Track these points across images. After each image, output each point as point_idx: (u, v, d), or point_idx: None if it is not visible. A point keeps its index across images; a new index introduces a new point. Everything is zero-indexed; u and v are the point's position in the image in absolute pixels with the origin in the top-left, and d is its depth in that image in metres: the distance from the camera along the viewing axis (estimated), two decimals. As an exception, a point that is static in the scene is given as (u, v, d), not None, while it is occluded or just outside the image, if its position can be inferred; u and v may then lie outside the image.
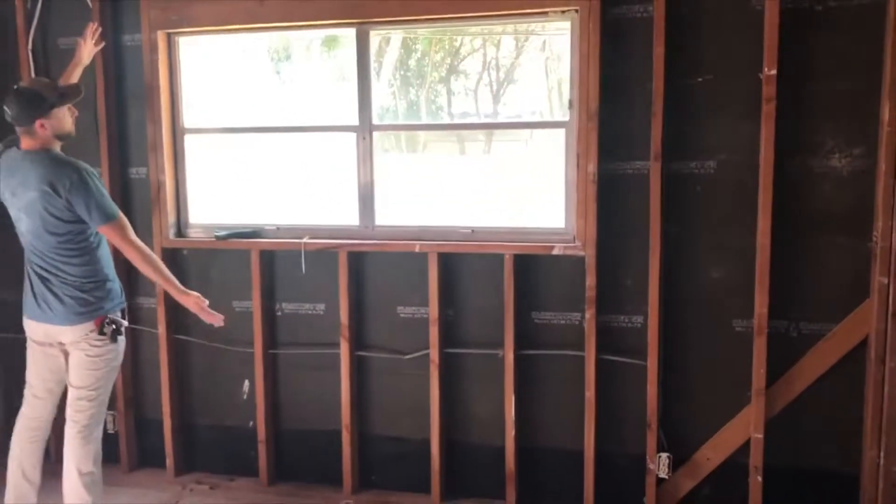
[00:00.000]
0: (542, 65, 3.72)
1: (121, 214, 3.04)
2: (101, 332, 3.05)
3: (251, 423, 3.80)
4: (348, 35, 3.54)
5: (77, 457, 3.08)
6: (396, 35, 3.60)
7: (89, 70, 3.70)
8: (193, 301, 3.18)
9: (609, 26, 3.19)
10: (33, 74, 3.80)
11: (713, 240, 3.23)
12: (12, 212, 3.06)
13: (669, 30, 3.11)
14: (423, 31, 3.68)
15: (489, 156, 4.00)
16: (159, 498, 3.70)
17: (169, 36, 3.68)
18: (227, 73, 3.95)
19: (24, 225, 3.02)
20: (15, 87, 3.07)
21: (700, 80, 3.17)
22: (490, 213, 3.80)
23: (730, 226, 3.20)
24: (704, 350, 3.29)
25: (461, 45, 3.90)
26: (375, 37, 3.53)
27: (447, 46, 3.73)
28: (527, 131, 3.83)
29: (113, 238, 3.04)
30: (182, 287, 3.18)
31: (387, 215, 3.62)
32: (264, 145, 3.95)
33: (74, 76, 3.40)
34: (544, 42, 3.66)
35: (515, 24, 3.50)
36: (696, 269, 3.26)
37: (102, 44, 3.52)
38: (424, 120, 3.95)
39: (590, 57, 3.17)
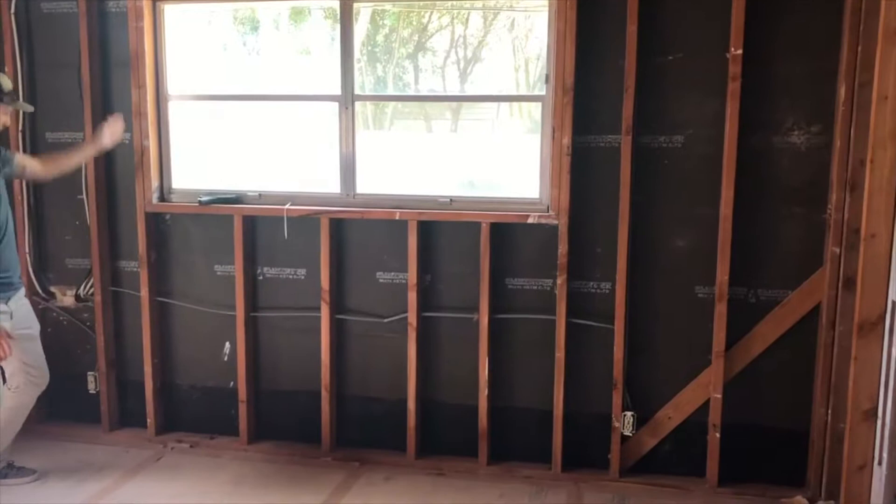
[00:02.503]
0: (512, 42, 3.83)
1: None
2: None
3: (231, 383, 3.91)
4: (330, 6, 3.63)
5: None
6: (366, 10, 3.67)
7: (73, 35, 3.77)
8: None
9: (584, 4, 3.32)
10: (16, 40, 3.83)
11: (679, 211, 3.41)
12: None
13: (642, 9, 3.26)
14: (404, 5, 3.77)
15: (456, 133, 4.11)
16: (140, 455, 3.81)
17: (154, 3, 3.74)
18: (209, 42, 4.01)
19: None
20: None
21: (670, 58, 3.33)
22: (463, 184, 3.93)
23: (695, 197, 3.38)
24: (668, 315, 3.47)
25: (429, 21, 3.98)
26: (365, 9, 3.62)
27: (415, 23, 3.81)
28: (493, 110, 3.97)
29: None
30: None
31: (365, 184, 3.74)
32: (246, 113, 4.03)
33: (88, 153, 3.53)
34: (513, 20, 3.77)
35: (496, 0, 3.61)
36: (661, 238, 3.44)
37: (122, 124, 3.55)
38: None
39: (566, 33, 3.31)
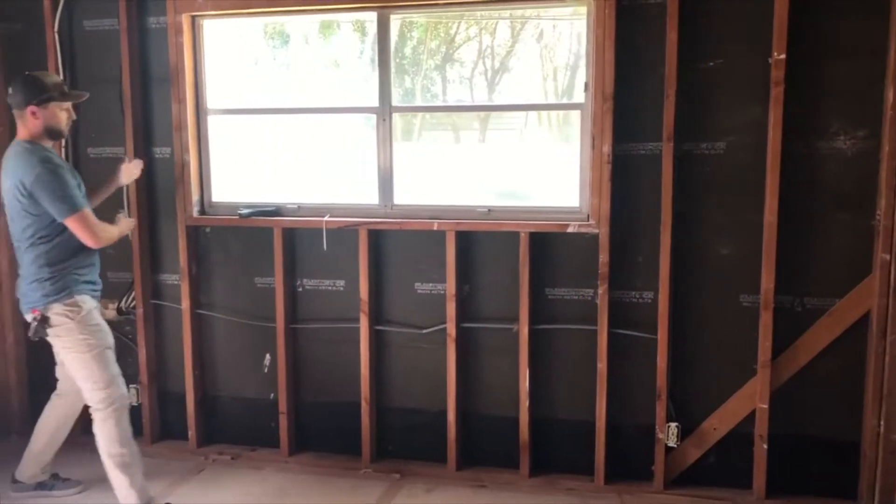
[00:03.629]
0: (540, 52, 3.81)
1: (86, 211, 3.09)
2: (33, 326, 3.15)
3: (272, 395, 3.92)
4: (366, 18, 3.65)
5: (102, 442, 3.19)
6: (395, 22, 3.68)
7: (114, 51, 3.82)
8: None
9: (623, 11, 3.30)
10: (59, 58, 3.89)
11: (722, 218, 3.36)
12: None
13: (682, 15, 3.22)
14: (434, 15, 3.77)
15: (484, 143, 4.09)
16: (182, 467, 3.83)
17: (193, 18, 3.78)
18: (243, 56, 4.04)
19: (7, 212, 3.17)
20: (25, 73, 3.19)
21: (711, 64, 3.29)
22: (498, 193, 3.90)
23: (738, 205, 3.33)
24: (712, 324, 3.42)
25: (457, 33, 3.98)
26: (394, 21, 3.62)
27: (443, 35, 3.80)
28: (521, 119, 3.95)
29: (79, 233, 3.08)
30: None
31: (402, 195, 3.73)
32: (283, 126, 4.05)
33: (106, 193, 3.54)
34: (541, 30, 3.74)
35: (535, 9, 3.60)
36: (704, 246, 3.39)
37: (141, 166, 3.60)
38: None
39: (605, 41, 3.28)
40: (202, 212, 3.92)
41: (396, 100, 3.65)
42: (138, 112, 3.87)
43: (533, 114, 3.93)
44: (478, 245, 3.62)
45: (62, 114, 3.18)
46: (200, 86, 3.83)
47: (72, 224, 3.06)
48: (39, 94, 3.10)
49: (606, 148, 3.35)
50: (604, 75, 3.31)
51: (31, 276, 3.15)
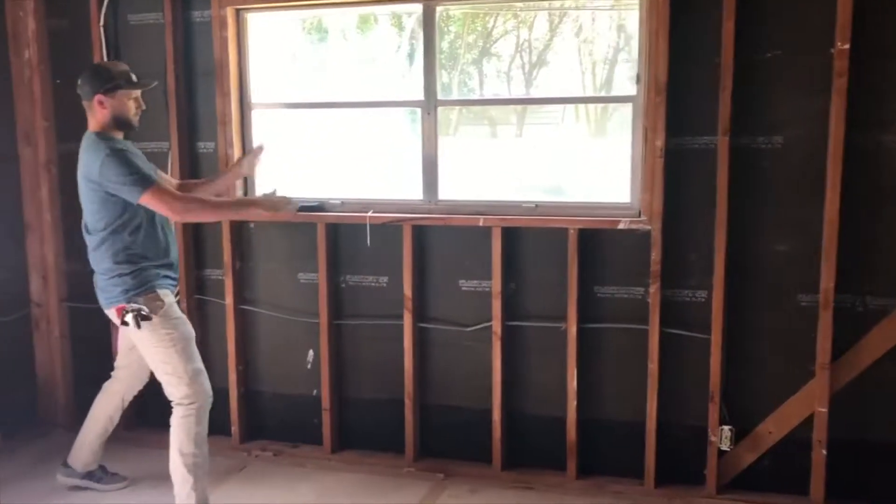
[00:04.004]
0: (579, 45, 3.70)
1: (158, 183, 3.02)
2: (124, 322, 3.08)
3: (315, 391, 3.89)
4: (412, 11, 3.59)
5: (175, 438, 3.15)
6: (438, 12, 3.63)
7: (159, 45, 3.80)
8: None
9: (677, 0, 3.19)
10: (105, 53, 3.89)
11: (779, 214, 3.24)
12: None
13: (739, 3, 3.11)
14: (488, 7, 3.69)
15: (521, 137, 4.00)
16: (225, 464, 3.81)
17: (238, 12, 3.75)
18: (284, 50, 4.00)
19: (81, 203, 3.15)
20: (93, 63, 3.16)
21: (769, 55, 3.17)
22: (543, 189, 3.82)
23: (796, 200, 3.21)
24: (768, 324, 3.30)
25: (494, 26, 3.90)
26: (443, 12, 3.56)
27: (480, 28, 3.73)
28: (559, 113, 3.85)
29: (168, 209, 3.01)
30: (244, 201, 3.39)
31: (446, 190, 3.67)
32: (326, 121, 4.01)
33: (223, 186, 3.53)
34: (580, 23, 3.64)
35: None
36: (761, 243, 3.27)
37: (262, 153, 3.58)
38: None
39: (659, 31, 3.18)
40: (246, 206, 3.89)
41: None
42: (182, 106, 3.85)
43: (570, 108, 3.84)
44: (524, 241, 3.54)
45: (130, 103, 3.14)
46: (244, 80, 3.80)
47: (148, 200, 2.97)
48: (106, 83, 3.06)
49: (659, 142, 3.24)
50: (657, 66, 3.20)
51: (110, 272, 3.09)
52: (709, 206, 3.26)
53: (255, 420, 4.02)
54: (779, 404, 3.32)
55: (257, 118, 3.85)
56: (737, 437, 3.36)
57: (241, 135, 3.83)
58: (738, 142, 3.21)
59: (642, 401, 3.42)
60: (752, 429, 3.36)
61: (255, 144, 3.80)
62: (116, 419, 3.55)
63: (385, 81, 3.90)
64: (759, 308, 3.31)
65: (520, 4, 3.57)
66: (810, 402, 3.25)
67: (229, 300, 3.88)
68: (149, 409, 4.01)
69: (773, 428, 3.33)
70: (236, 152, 3.80)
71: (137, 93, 3.18)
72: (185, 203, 3.08)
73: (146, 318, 3.04)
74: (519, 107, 3.89)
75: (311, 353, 3.89)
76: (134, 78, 3.18)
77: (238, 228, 3.88)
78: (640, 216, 3.36)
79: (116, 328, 3.40)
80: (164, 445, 3.86)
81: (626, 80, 3.52)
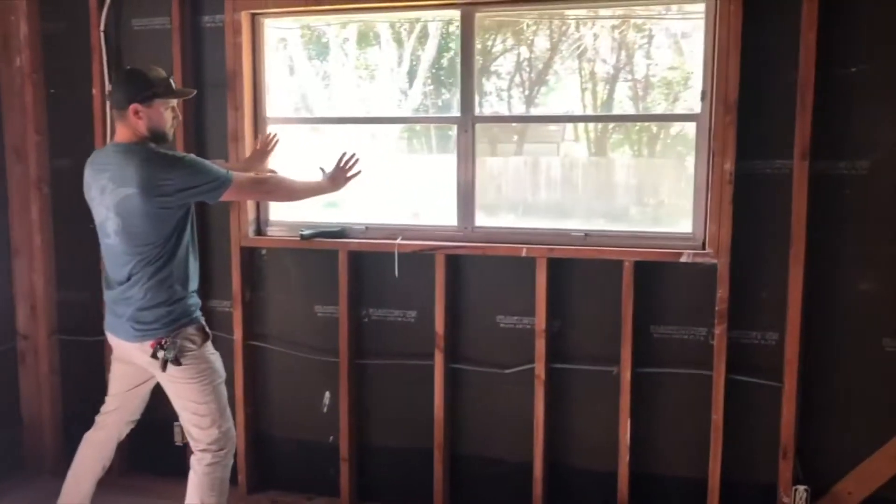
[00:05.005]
0: (578, 62, 3.35)
1: (235, 174, 2.81)
2: (154, 356, 2.74)
3: (331, 437, 3.50)
4: (450, 18, 3.25)
5: (198, 488, 2.84)
6: (435, 27, 3.30)
7: (165, 53, 3.45)
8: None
9: (749, 8, 2.85)
10: (105, 59, 3.53)
11: (862, 249, 2.89)
12: (100, 210, 2.79)
13: (820, 11, 2.77)
14: (532, 16, 3.34)
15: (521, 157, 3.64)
16: (231, 517, 3.41)
17: (253, 17, 3.40)
18: (290, 63, 3.65)
19: (112, 225, 2.74)
20: (127, 67, 2.83)
21: (853, 70, 2.83)
22: (597, 214, 3.46)
23: (882, 234, 2.86)
24: (848, 371, 2.95)
25: (493, 45, 3.57)
26: (483, 20, 3.23)
27: (480, 46, 3.38)
28: (559, 133, 3.51)
29: (247, 196, 3.06)
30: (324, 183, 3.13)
31: (483, 216, 3.32)
32: (347, 137, 3.64)
33: (316, 191, 3.15)
34: (579, 42, 3.30)
35: (644, 8, 3.17)
36: (840, 281, 2.92)
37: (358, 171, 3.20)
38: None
39: (730, 42, 2.84)
40: (258, 232, 3.52)
41: (433, 110, 3.21)
42: (190, 119, 3.49)
43: (570, 128, 3.49)
44: (570, 274, 3.18)
45: (167, 113, 2.79)
46: (259, 92, 3.44)
47: (235, 193, 2.86)
48: (143, 91, 2.71)
49: (728, 165, 2.90)
50: (727, 82, 2.86)
51: (148, 301, 2.73)
52: (781, 238, 2.92)
53: (266, 468, 3.62)
54: (859, 461, 2.96)
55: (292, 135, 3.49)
56: (812, 497, 2.99)
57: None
58: (816, 167, 2.86)
59: (704, 455, 3.05)
60: (829, 488, 3.00)
61: (269, 164, 3.43)
62: (107, 465, 3.16)
63: (380, 99, 3.55)
64: (838, 352, 2.95)
65: (571, 13, 3.22)
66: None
67: (238, 335, 3.50)
68: (143, 454, 3.62)
69: (853, 488, 2.97)
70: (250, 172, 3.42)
71: (175, 102, 2.83)
72: (274, 184, 3.06)
73: (181, 353, 2.74)
74: (520, 126, 3.50)
75: (327, 394, 3.51)
76: (174, 85, 2.83)
77: (249, 255, 3.51)
78: (704, 248, 3.00)
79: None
80: (157, 493, 3.48)
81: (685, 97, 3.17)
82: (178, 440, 3.64)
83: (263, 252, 3.52)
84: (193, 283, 2.86)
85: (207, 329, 2.86)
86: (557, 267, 3.17)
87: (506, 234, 3.25)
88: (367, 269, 3.41)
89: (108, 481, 3.27)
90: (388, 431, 3.47)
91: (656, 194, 3.32)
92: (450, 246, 3.22)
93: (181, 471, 3.55)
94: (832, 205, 2.89)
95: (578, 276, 3.17)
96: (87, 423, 3.16)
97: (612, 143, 3.53)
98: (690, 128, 3.06)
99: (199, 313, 2.85)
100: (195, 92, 3.01)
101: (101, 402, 3.34)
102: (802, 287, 2.88)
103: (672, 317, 3.10)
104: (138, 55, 3.54)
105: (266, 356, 3.57)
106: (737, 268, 2.96)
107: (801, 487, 2.98)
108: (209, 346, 2.86)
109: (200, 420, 2.82)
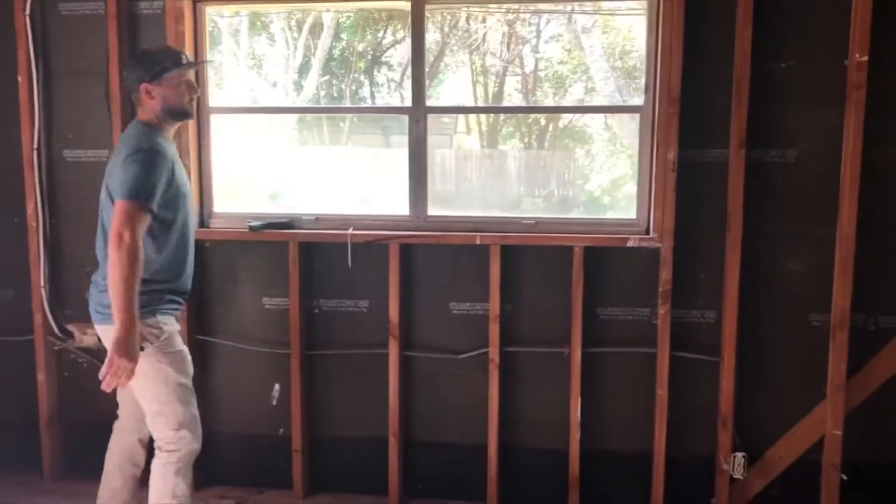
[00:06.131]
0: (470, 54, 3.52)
1: (141, 203, 2.48)
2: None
3: (281, 430, 3.48)
4: (401, 8, 3.28)
5: (154, 489, 2.74)
6: (329, 18, 3.35)
7: (97, 40, 3.32)
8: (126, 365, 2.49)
9: (690, 7, 3.02)
10: (31, 46, 3.36)
11: (791, 231, 3.12)
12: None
13: (755, 12, 2.97)
14: (480, 9, 3.41)
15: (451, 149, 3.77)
16: (178, 515, 3.33)
17: (195, 4, 3.31)
18: (247, 51, 3.60)
19: (101, 199, 2.66)
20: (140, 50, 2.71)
21: (783, 65, 3.05)
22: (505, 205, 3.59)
23: (810, 217, 3.10)
24: (779, 345, 3.18)
25: (384, 36, 3.69)
26: (436, 13, 3.27)
27: (369, 37, 3.48)
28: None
29: (117, 222, 2.44)
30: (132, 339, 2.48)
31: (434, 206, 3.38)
32: (305, 131, 3.62)
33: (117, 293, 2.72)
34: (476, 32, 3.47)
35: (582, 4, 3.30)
36: (772, 261, 3.15)
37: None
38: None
39: (672, 38, 3.01)
40: (202, 224, 3.44)
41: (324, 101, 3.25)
42: (126, 108, 3.37)
43: (462, 118, 3.62)
44: (521, 260, 3.28)
45: (182, 87, 2.65)
46: (202, 81, 3.36)
47: (118, 210, 2.45)
48: (151, 68, 2.60)
49: (671, 155, 3.07)
50: (670, 77, 3.02)
51: (108, 284, 2.54)
52: (718, 222, 3.12)
53: (212, 464, 3.54)
54: (788, 428, 3.20)
55: (216, 124, 3.41)
56: (748, 463, 3.22)
57: (198, 143, 3.38)
58: (750, 156, 3.07)
59: (649, 429, 3.23)
60: (762, 454, 3.23)
61: (213, 155, 3.35)
62: (140, 465, 2.99)
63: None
64: (769, 328, 3.18)
65: (516, 5, 3.31)
66: (821, 425, 3.14)
67: (183, 329, 3.41)
68: (80, 456, 3.49)
69: (784, 452, 3.21)
70: (192, 163, 3.35)
71: (190, 75, 2.71)
72: (132, 251, 2.44)
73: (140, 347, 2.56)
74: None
75: (276, 387, 3.48)
76: (183, 59, 2.70)
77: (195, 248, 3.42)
78: (648, 233, 3.16)
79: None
80: (96, 495, 3.34)
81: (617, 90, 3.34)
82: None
83: (207, 244, 3.44)
84: (172, 277, 2.73)
85: (162, 326, 2.68)
86: (509, 253, 3.26)
87: (458, 223, 3.32)
88: (316, 260, 3.40)
89: (35, 485, 3.21)
90: (340, 422, 3.47)
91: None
92: (406, 235, 3.26)
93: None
94: (763, 190, 3.10)
95: (528, 262, 3.27)
96: (18, 429, 3.02)
97: (503, 136, 3.69)
98: (577, 120, 3.19)
99: (163, 307, 2.70)
100: (209, 61, 2.86)
101: (32, 406, 3.23)
102: (740, 268, 3.09)
103: (617, 299, 3.25)
104: (67, 41, 3.41)
105: (212, 350, 3.50)
106: (678, 251, 3.14)
107: (739, 454, 3.19)
108: (171, 343, 2.71)
109: (157, 418, 2.71)
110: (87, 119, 3.42)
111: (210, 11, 3.38)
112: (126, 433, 2.96)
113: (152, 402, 2.69)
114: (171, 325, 2.73)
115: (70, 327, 3.57)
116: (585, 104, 3.40)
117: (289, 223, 3.38)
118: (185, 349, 2.80)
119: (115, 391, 2.72)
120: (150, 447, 2.88)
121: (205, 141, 3.40)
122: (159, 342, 2.65)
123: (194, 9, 3.32)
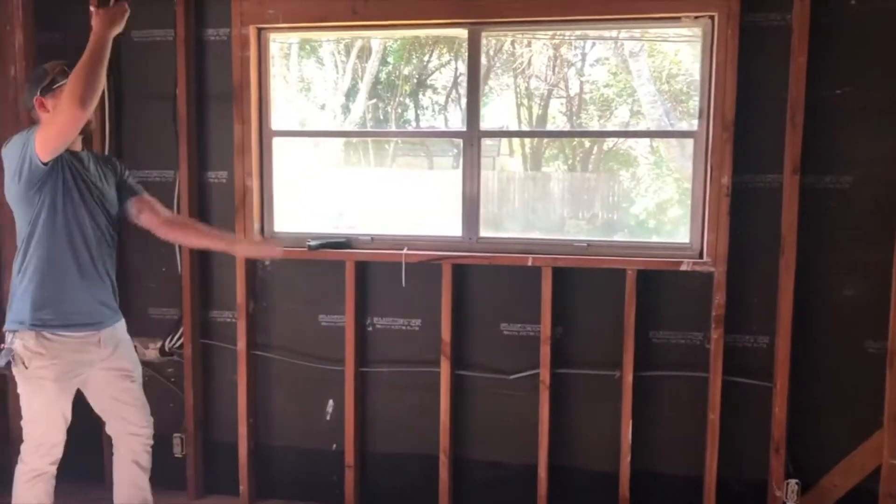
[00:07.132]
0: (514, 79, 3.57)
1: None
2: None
3: (334, 445, 3.55)
4: (460, 35, 3.36)
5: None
6: (377, 43, 3.44)
7: (165, 65, 3.47)
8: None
9: (745, 32, 3.05)
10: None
11: (846, 257, 3.11)
12: None
13: (810, 37, 2.99)
14: (527, 34, 3.49)
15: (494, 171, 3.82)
16: (233, 527, 3.43)
17: (260, 31, 3.44)
18: (310, 78, 3.73)
19: None
20: None
21: (838, 91, 3.05)
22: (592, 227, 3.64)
23: (865, 243, 3.09)
24: (833, 371, 3.16)
25: (430, 59, 3.76)
26: (488, 38, 3.34)
27: (415, 62, 3.56)
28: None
29: (51, 122, 2.47)
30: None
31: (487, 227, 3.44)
32: (351, 152, 3.73)
33: (211, 243, 3.03)
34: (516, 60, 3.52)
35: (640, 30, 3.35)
36: (827, 287, 3.13)
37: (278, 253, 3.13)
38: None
39: (727, 64, 3.04)
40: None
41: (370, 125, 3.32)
42: (193, 133, 3.51)
43: (505, 141, 3.67)
44: (573, 282, 3.32)
45: None
46: (265, 105, 3.49)
47: (48, 105, 2.57)
48: (41, 82, 2.62)
49: (725, 180, 3.09)
50: (724, 102, 3.05)
51: (17, 287, 2.66)
52: (772, 247, 3.12)
53: (266, 477, 3.64)
54: (844, 455, 3.16)
55: (278, 147, 3.53)
56: (801, 491, 3.19)
57: (260, 164, 3.50)
58: (804, 181, 3.07)
59: (700, 453, 3.23)
60: (817, 482, 3.19)
61: (274, 174, 3.48)
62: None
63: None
64: (824, 354, 3.16)
65: (568, 33, 3.38)
66: (878, 454, 3.10)
67: (241, 345, 3.52)
68: None
69: (839, 481, 3.17)
70: (255, 182, 3.46)
71: None
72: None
73: (14, 361, 2.60)
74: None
75: (330, 402, 3.56)
76: (68, 69, 2.62)
77: (252, 267, 3.54)
78: (702, 257, 3.18)
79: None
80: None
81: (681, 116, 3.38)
82: (177, 452, 3.63)
83: (267, 263, 3.55)
84: (53, 283, 2.65)
85: (25, 341, 2.60)
86: (560, 275, 3.30)
87: (509, 245, 3.37)
88: (371, 279, 3.48)
89: (101, 495, 3.24)
90: (392, 438, 3.53)
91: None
92: (459, 256, 3.33)
93: (181, 483, 3.58)
94: (818, 216, 3.10)
95: (580, 285, 3.31)
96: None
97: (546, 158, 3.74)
98: (622, 143, 3.22)
99: (37, 319, 2.61)
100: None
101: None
102: (794, 293, 3.08)
103: (669, 322, 3.27)
104: (139, 67, 3.56)
105: (269, 366, 3.60)
106: (731, 275, 3.14)
107: (792, 481, 3.17)
108: (33, 365, 2.61)
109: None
110: (154, 141, 3.56)
111: (276, 37, 3.51)
112: (117, 448, 2.99)
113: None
114: (34, 343, 2.64)
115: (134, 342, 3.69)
116: (635, 128, 3.43)
117: (345, 243, 3.47)
118: (51, 374, 2.66)
119: None
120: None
121: (266, 163, 3.51)
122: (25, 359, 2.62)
123: (259, 35, 3.45)
